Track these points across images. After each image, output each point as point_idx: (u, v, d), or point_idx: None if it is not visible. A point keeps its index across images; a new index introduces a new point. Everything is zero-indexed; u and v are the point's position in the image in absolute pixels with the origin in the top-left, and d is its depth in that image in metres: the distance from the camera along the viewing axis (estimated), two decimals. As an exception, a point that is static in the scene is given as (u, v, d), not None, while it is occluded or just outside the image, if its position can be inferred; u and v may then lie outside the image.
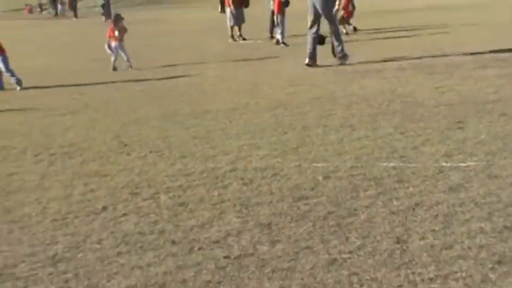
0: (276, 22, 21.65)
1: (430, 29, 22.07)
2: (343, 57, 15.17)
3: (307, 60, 15.02)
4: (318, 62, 15.01)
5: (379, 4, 37.56)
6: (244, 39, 23.30)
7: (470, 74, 12.55)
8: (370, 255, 4.87)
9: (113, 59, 17.49)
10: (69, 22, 47.42)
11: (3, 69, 15.24)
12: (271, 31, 22.93)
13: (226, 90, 12.81)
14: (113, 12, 28.65)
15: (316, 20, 15.02)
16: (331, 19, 15.05)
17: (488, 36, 18.14)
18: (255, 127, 9.36)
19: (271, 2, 22.65)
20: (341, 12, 23.05)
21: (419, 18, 26.53)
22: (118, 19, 18.30)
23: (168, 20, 40.85)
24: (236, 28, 23.44)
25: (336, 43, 15.31)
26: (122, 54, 17.50)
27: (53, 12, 63.60)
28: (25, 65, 18.03)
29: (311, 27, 15.06)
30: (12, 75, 15.17)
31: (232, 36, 23.44)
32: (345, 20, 23.00)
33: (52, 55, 23.44)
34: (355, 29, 23.29)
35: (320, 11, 14.80)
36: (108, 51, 17.64)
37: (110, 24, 18.62)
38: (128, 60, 17.53)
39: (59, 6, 63.59)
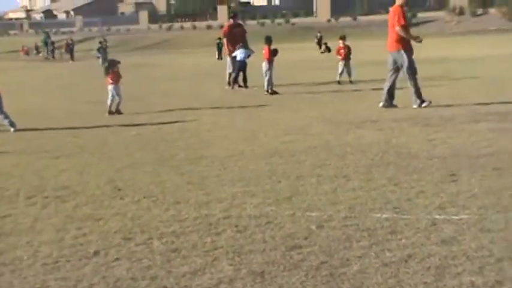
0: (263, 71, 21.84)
1: (426, 81, 22.22)
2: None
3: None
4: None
5: (376, 55, 37.88)
6: (240, 86, 23.44)
7: (464, 127, 12.62)
8: (362, 307, 4.85)
9: (109, 102, 17.55)
10: (66, 65, 47.62)
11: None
12: (235, 81, 23.31)
13: (222, 137, 12.85)
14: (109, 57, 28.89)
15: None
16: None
17: (482, 89, 18.28)
18: (249, 174, 9.38)
19: (239, 52, 23.10)
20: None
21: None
22: (113, 64, 18.44)
23: (165, 65, 41.10)
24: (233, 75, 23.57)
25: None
26: (116, 97, 17.55)
27: (49, 55, 64.00)
28: (19, 107, 18.10)
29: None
30: (6, 117, 15.17)
31: (229, 83, 23.60)
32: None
33: (47, 97, 23.54)
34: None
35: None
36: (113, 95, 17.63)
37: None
38: (119, 104, 17.58)
39: (56, 51, 64.07)
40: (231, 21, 24.90)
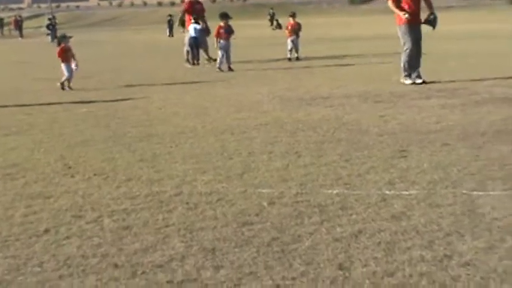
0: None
1: (377, 58, 22.41)
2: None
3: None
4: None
5: (325, 32, 38.01)
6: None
7: (414, 103, 12.75)
8: (313, 282, 4.89)
9: (63, 79, 17.56)
10: (15, 41, 46.92)
11: None
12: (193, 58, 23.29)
13: (173, 114, 12.80)
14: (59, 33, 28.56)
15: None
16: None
17: (434, 67, 18.43)
18: (201, 151, 9.37)
19: (192, 28, 23.12)
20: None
21: (367, 47, 26.92)
22: (64, 38, 18.42)
23: (116, 42, 40.72)
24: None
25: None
26: (66, 74, 17.54)
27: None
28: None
29: None
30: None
31: (187, 60, 23.46)
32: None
33: (-3, 74, 23.18)
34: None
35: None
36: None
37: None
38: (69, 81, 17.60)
39: (4, 28, 63.18)
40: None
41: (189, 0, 24.79)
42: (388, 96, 13.79)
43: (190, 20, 23.48)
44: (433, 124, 10.60)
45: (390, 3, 15.66)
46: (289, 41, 23.76)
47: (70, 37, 18.64)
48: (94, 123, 12.13)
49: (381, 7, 72.32)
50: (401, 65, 15.89)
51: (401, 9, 15.62)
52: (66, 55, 17.82)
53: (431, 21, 16.03)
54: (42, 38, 44.01)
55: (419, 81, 15.60)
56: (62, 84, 17.59)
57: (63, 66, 17.73)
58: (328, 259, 5.30)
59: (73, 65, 17.63)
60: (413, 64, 15.78)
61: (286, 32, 24.32)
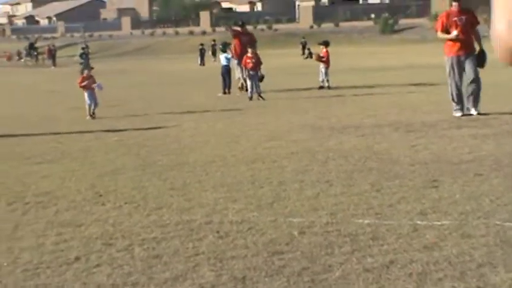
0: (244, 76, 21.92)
1: (409, 87, 22.35)
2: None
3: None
4: None
5: (356, 62, 38.02)
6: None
7: (445, 133, 12.67)
8: (343, 313, 4.85)
9: (87, 107, 17.79)
10: (48, 71, 47.47)
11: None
12: (228, 87, 23.26)
13: (204, 143, 12.84)
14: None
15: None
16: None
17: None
18: (231, 180, 9.37)
19: (223, 58, 23.18)
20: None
21: (398, 77, 26.87)
22: (86, 68, 18.89)
23: (147, 70, 41.05)
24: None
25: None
26: (90, 102, 17.84)
27: (31, 61, 63.90)
28: (1, 112, 17.99)
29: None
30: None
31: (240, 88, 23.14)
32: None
33: (29, 103, 23.43)
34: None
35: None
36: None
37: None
38: (95, 108, 17.86)
39: (39, 57, 63.99)
40: (239, 29, 24.37)
41: (239, 32, 24.24)
42: (420, 125, 13.72)
43: (239, 44, 23.02)
44: (465, 154, 10.52)
45: (439, 34, 15.09)
46: (323, 70, 23.65)
47: (92, 68, 19.08)
48: (125, 152, 12.20)
49: (412, 37, 72.31)
50: (450, 98, 15.00)
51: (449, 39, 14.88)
52: (87, 83, 18.08)
53: (482, 59, 14.73)
54: (75, 67, 44.49)
55: (472, 112, 14.71)
56: (89, 113, 17.81)
57: (85, 94, 17.98)
58: (359, 289, 5.25)
59: (96, 85, 17.85)
60: (460, 97, 14.85)
61: (322, 60, 24.02)
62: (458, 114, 14.73)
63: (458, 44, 14.69)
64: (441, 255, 5.96)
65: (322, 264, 5.86)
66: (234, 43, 23.49)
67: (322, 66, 23.81)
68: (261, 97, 21.01)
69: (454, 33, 14.57)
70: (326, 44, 24.77)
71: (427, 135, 12.55)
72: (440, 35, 15.13)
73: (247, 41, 23.04)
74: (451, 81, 14.81)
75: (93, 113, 17.89)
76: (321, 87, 23.37)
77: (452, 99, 14.88)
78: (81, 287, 5.56)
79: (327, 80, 23.51)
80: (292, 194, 8.41)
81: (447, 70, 14.89)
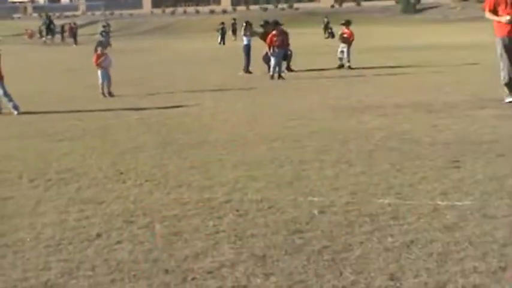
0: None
1: (430, 68, 22.22)
2: None
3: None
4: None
5: (377, 42, 37.83)
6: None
7: (467, 113, 12.60)
8: (364, 291, 4.85)
9: (100, 85, 17.93)
10: (69, 49, 47.60)
11: (0, 93, 15.25)
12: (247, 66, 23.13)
13: (225, 121, 12.84)
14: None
15: None
16: None
17: (485, 76, 18.21)
18: (252, 159, 9.37)
19: (245, 38, 23.05)
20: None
21: (419, 57, 26.72)
22: (101, 45, 18.89)
23: (168, 49, 41.04)
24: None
25: None
26: (104, 80, 17.90)
27: (49, 39, 64.05)
28: (23, 90, 18.09)
29: None
30: (10, 100, 15.20)
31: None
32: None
33: (51, 80, 23.52)
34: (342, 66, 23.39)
35: None
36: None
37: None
38: (109, 86, 18.12)
39: (56, 35, 64.10)
40: (274, 32, 23.27)
41: (274, 34, 23.44)
42: (441, 106, 13.65)
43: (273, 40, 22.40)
44: (487, 135, 10.45)
45: (487, 14, 13.73)
46: (345, 49, 23.55)
47: (108, 45, 19.11)
48: (145, 130, 12.23)
49: (434, 17, 71.79)
50: (502, 82, 13.81)
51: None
52: (101, 61, 18.13)
53: None
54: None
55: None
56: (102, 91, 17.89)
57: (99, 72, 18.03)
58: (379, 269, 5.25)
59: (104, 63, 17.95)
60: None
61: (349, 39, 23.85)
62: (510, 99, 13.61)
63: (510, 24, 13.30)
64: (462, 235, 5.93)
65: (342, 243, 5.86)
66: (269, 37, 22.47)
67: (343, 45, 23.72)
68: (282, 76, 20.97)
69: (507, 17, 13.20)
70: (348, 23, 24.67)
71: (449, 115, 12.48)
72: (488, 15, 13.77)
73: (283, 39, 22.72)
74: (503, 64, 13.58)
75: (110, 92, 17.92)
76: (341, 66, 23.28)
77: (505, 84, 13.70)
78: (103, 263, 5.59)
79: (348, 60, 23.41)
80: (312, 173, 8.40)
81: (498, 51, 13.64)
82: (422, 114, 12.72)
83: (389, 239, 5.90)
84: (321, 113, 13.44)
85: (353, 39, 23.81)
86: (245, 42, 23.61)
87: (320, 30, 56.66)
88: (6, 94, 15.23)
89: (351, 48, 23.71)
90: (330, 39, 47.14)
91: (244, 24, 24.88)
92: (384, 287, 4.90)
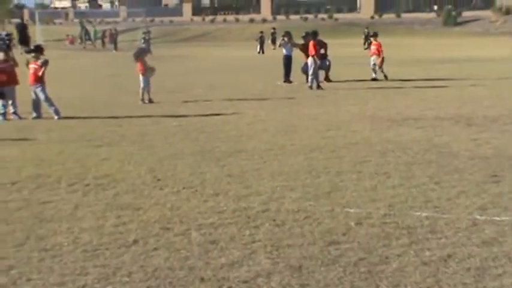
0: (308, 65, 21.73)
1: (470, 81, 22.03)
2: None
3: None
4: None
5: (417, 54, 37.63)
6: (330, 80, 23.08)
7: (507, 128, 12.47)
8: (400, 305, 4.82)
9: (140, 91, 18.01)
10: (109, 54, 48.01)
11: (42, 98, 15.43)
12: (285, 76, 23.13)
13: (262, 130, 12.85)
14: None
15: None
16: None
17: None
18: (289, 169, 9.37)
19: (284, 49, 23.02)
20: (378, 59, 23.25)
21: (459, 70, 26.52)
22: (140, 53, 19.00)
23: (207, 57, 41.20)
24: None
25: None
26: (145, 86, 18.02)
27: (88, 44, 64.74)
28: (63, 95, 18.26)
29: None
30: (51, 105, 15.37)
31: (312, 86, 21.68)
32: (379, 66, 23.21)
33: (91, 86, 23.72)
34: (386, 77, 23.26)
35: None
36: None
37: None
38: (149, 93, 18.17)
39: (88, 41, 64.90)
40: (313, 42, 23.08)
41: (313, 43, 23.26)
42: (481, 119, 13.53)
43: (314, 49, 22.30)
44: (527, 149, 10.34)
45: None
46: (377, 61, 23.49)
47: (148, 52, 19.25)
48: (183, 137, 12.28)
49: (475, 30, 71.19)
50: None
51: None
52: (144, 69, 18.27)
53: None
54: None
55: None
56: (142, 97, 17.99)
57: (141, 78, 18.14)
58: (416, 282, 5.22)
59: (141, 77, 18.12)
60: None
61: (379, 52, 23.82)
62: None
63: None
64: (501, 250, 5.88)
65: (379, 256, 5.83)
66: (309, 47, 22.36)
67: (374, 57, 23.67)
68: (320, 87, 20.93)
69: None
70: (375, 35, 24.79)
71: (488, 129, 12.37)
72: None
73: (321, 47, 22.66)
74: None
75: (150, 98, 18.02)
76: (374, 79, 23.17)
77: None
78: (139, 270, 5.62)
79: (381, 71, 23.28)
80: (349, 185, 8.38)
81: None
82: (461, 128, 12.62)
83: (427, 253, 5.86)
84: (359, 124, 13.39)
85: (381, 51, 23.69)
86: (285, 53, 23.58)
87: (359, 40, 56.46)
88: (47, 99, 15.41)
89: (379, 60, 23.53)
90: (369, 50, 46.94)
91: (283, 34, 24.88)
92: (420, 301, 4.87)
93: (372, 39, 24.68)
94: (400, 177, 8.72)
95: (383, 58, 23.39)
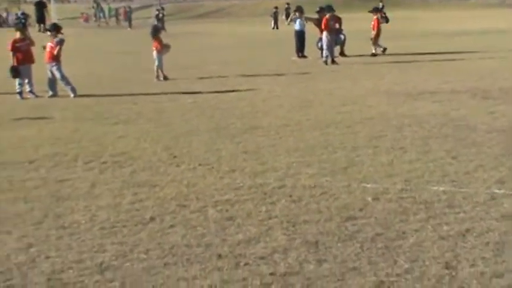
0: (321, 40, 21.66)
1: (487, 53, 21.86)
2: None
3: None
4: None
5: (432, 27, 37.37)
6: (345, 55, 23.04)
7: (525, 100, 12.37)
8: (418, 280, 4.81)
9: (155, 68, 18.01)
10: (124, 32, 47.97)
11: (58, 77, 15.45)
12: (298, 51, 23.04)
13: (278, 106, 12.81)
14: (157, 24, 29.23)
15: None
16: None
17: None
18: (305, 144, 9.34)
19: (297, 23, 22.90)
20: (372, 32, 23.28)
21: (475, 42, 26.32)
22: (156, 30, 19.02)
23: (221, 33, 41.08)
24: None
25: None
26: (156, 62, 17.99)
27: (102, 22, 64.75)
28: (78, 73, 18.26)
29: None
30: (67, 83, 15.38)
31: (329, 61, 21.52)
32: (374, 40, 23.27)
33: (106, 64, 23.71)
34: (384, 50, 23.24)
35: None
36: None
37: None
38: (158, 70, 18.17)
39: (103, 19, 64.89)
40: (327, 17, 22.94)
41: (326, 18, 23.11)
42: (498, 92, 13.44)
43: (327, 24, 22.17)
44: (545, 122, 10.26)
45: None
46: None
47: (162, 29, 19.29)
48: (199, 114, 12.26)
49: (490, 1, 70.56)
50: None
51: None
52: (159, 46, 18.25)
53: None
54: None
55: None
56: (157, 74, 18.00)
57: (155, 56, 18.13)
58: (434, 257, 5.20)
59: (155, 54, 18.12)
60: None
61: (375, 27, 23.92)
62: None
63: None
64: (519, 224, 5.84)
65: (396, 231, 5.81)
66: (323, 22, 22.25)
67: (372, 33, 23.73)
68: (335, 62, 20.84)
69: None
70: (376, 10, 24.84)
71: (505, 102, 12.28)
72: None
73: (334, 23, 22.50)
74: None
75: (165, 75, 17.99)
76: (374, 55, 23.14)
77: None
78: (156, 247, 5.63)
79: (376, 46, 23.39)
80: (366, 160, 8.35)
81: None
82: (478, 101, 12.54)
83: (445, 227, 5.84)
84: (375, 98, 13.33)
85: (380, 28, 23.72)
86: (297, 28, 23.46)
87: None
88: (63, 77, 15.43)
89: (374, 35, 23.57)
90: (384, 24, 46.65)
91: (295, 9, 24.80)
92: (439, 276, 4.85)
93: (373, 14, 24.54)
94: (417, 151, 8.67)
95: (378, 33, 23.45)
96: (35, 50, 15.98)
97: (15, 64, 15.61)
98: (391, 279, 4.84)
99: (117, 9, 66.72)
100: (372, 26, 23.78)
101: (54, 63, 15.44)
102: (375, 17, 24.05)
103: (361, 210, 6.42)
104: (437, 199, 6.64)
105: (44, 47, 15.72)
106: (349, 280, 4.85)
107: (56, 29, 16.36)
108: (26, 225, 6.31)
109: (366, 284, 4.78)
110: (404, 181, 7.33)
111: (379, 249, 5.41)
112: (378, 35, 23.45)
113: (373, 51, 23.24)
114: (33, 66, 15.76)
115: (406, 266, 5.05)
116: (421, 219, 6.07)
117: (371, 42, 23.58)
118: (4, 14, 64.83)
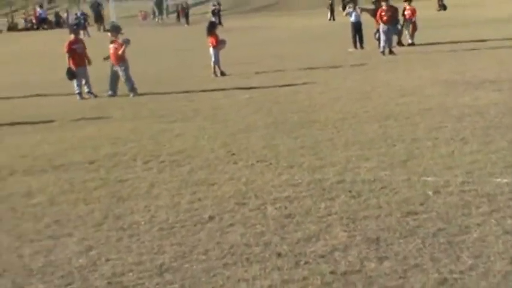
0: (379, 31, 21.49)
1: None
2: None
3: None
4: None
5: (488, 13, 36.72)
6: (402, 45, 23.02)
7: None
8: (483, 277, 4.70)
9: (212, 65, 18.05)
10: (181, 29, 48.26)
11: (123, 78, 15.55)
12: (355, 42, 22.93)
13: (335, 99, 12.71)
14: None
15: None
16: None
17: None
18: (363, 138, 9.24)
19: (353, 15, 22.75)
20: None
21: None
22: (212, 26, 19.07)
23: (277, 27, 41.03)
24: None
25: None
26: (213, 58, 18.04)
27: (160, 18, 65.25)
28: (137, 71, 18.41)
29: None
30: (131, 84, 15.44)
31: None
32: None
33: (164, 61, 23.86)
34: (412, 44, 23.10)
35: None
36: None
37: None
38: (219, 66, 18.26)
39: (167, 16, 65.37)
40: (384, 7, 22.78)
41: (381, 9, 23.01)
42: (561, 78, 13.13)
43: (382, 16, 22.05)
44: None
45: None
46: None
47: (218, 24, 19.37)
48: (256, 109, 12.23)
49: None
50: None
51: None
52: (215, 42, 18.30)
53: None
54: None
55: None
56: (214, 70, 18.05)
57: (212, 52, 18.17)
58: (499, 252, 5.08)
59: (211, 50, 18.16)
60: None
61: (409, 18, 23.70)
62: None
63: None
64: None
65: (459, 225, 5.70)
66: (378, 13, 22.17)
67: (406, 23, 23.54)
68: (393, 52, 20.64)
69: None
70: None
71: None
72: None
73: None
74: None
75: (222, 71, 18.04)
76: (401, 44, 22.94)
77: None
78: (215, 247, 5.61)
79: (410, 37, 23.20)
80: (425, 152, 8.22)
81: None
82: (540, 88, 12.26)
83: (509, 221, 5.70)
84: (434, 88, 13.14)
85: (414, 17, 23.48)
86: (353, 20, 23.29)
87: (431, 3, 55.40)
88: (128, 79, 15.51)
89: (405, 25, 23.33)
90: (441, 11, 46.03)
91: (348, 1, 24.74)
92: (504, 272, 4.74)
93: (406, 4, 24.22)
94: (478, 142, 8.51)
95: (415, 24, 23.22)
96: (90, 52, 16.18)
97: (71, 66, 15.81)
98: (455, 276, 4.74)
99: (177, 6, 67.24)
100: (409, 16, 23.55)
101: (121, 64, 15.55)
102: (410, 7, 23.80)
103: (421, 204, 6.31)
104: (501, 191, 6.49)
105: (105, 58, 15.85)
106: (411, 278, 4.76)
107: (116, 29, 16.55)
108: (86, 227, 6.36)
109: (428, 281, 4.68)
110: (466, 173, 7.18)
111: (441, 244, 5.31)
112: (415, 26, 23.35)
113: (410, 41, 23.09)
114: (92, 66, 15.93)
115: (470, 262, 4.94)
116: (484, 213, 5.94)
117: (406, 32, 23.41)
118: (64, 15, 65.76)
